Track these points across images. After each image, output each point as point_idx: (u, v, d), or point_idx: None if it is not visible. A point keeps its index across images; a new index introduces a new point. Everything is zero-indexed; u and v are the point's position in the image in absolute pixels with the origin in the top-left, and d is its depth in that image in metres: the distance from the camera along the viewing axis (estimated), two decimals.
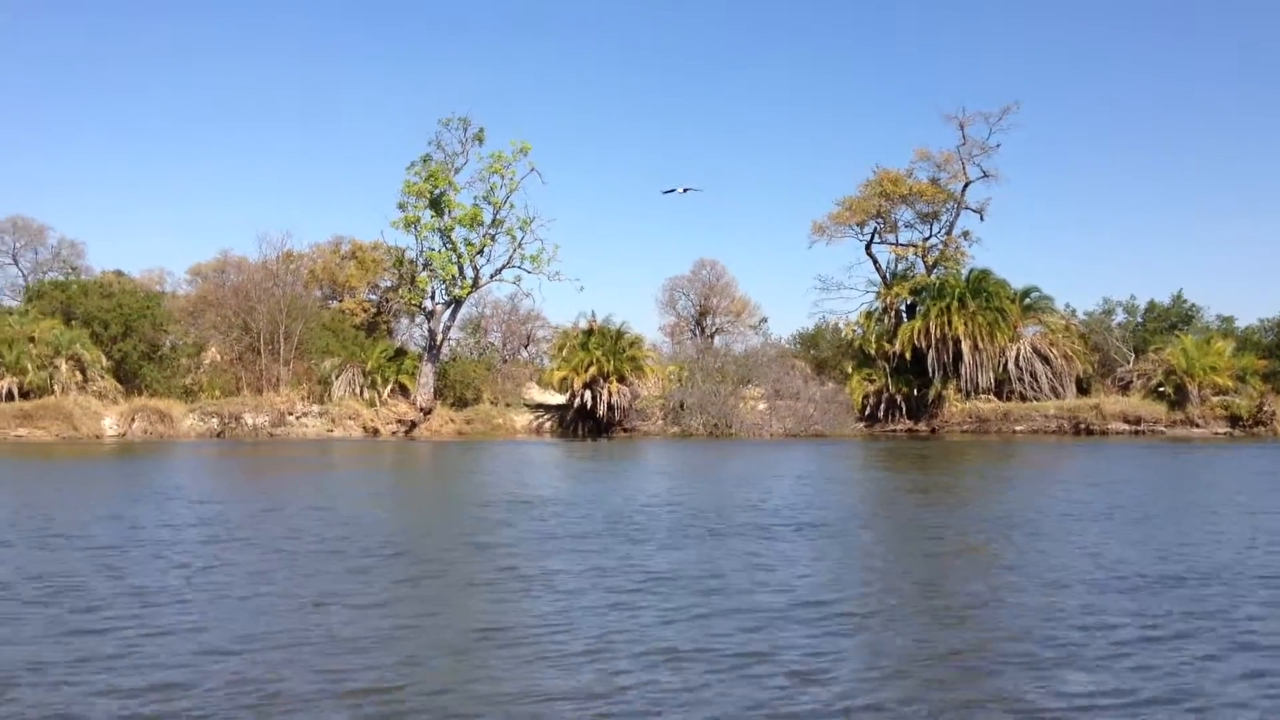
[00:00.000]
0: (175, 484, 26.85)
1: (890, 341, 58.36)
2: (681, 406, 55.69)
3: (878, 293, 61.54)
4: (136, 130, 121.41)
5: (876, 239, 62.76)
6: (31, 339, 51.30)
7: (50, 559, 14.32)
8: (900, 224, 62.64)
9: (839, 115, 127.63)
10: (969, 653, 9.79)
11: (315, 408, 54.72)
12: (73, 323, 53.53)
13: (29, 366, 50.39)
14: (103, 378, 52.79)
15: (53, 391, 50.37)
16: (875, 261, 62.78)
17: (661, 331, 78.00)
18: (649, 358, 59.11)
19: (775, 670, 9.13)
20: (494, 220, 56.60)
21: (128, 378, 54.39)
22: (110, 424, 49.87)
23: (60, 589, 12.33)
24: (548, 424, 57.85)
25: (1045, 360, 57.47)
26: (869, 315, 61.12)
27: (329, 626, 10.60)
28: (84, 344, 52.28)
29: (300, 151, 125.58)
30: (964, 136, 60.64)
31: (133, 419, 50.37)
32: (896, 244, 62.73)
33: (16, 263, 68.96)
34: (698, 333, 75.88)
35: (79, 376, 51.94)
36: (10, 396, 49.92)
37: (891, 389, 57.91)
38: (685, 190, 53.68)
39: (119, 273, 65.98)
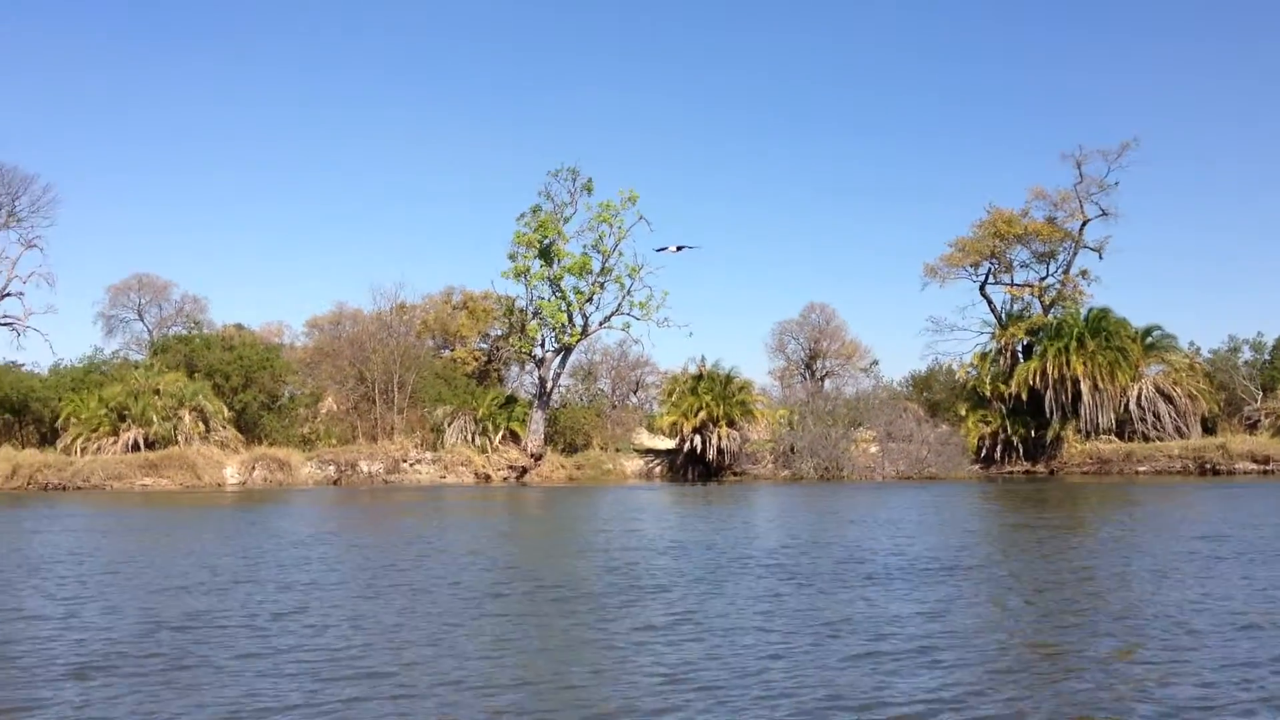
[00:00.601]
0: (318, 530, 27.30)
1: (1006, 382, 57.28)
2: (792, 450, 55.20)
3: (993, 333, 60.54)
4: (256, 189, 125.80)
5: (991, 279, 62.08)
6: (157, 391, 52.97)
7: (228, 602, 14.58)
8: (1015, 264, 61.94)
9: (949, 155, 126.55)
10: (1159, 697, 9.38)
11: (428, 455, 55.52)
12: (196, 375, 55.19)
13: (154, 418, 51.96)
14: (224, 428, 54.28)
15: (177, 442, 51.84)
16: (990, 302, 61.99)
17: (771, 375, 78.17)
18: (758, 402, 58.92)
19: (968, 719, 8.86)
20: (603, 268, 57.21)
21: (248, 427, 55.86)
22: (232, 473, 51.15)
23: (248, 631, 12.53)
24: (658, 469, 57.83)
25: (1168, 400, 55.83)
26: (984, 356, 60.08)
27: (516, 672, 10.58)
28: (206, 395, 53.85)
29: (412, 204, 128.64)
30: (1081, 175, 59.82)
31: (253, 467, 51.60)
32: (1012, 284, 61.93)
33: (142, 318, 71.60)
34: (807, 376, 75.39)
35: (202, 427, 53.46)
36: (137, 447, 51.49)
37: (1008, 430, 56.73)
38: (679, 249, 53.08)
39: (239, 326, 67.95)
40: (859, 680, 10.11)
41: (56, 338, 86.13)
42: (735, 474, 55.28)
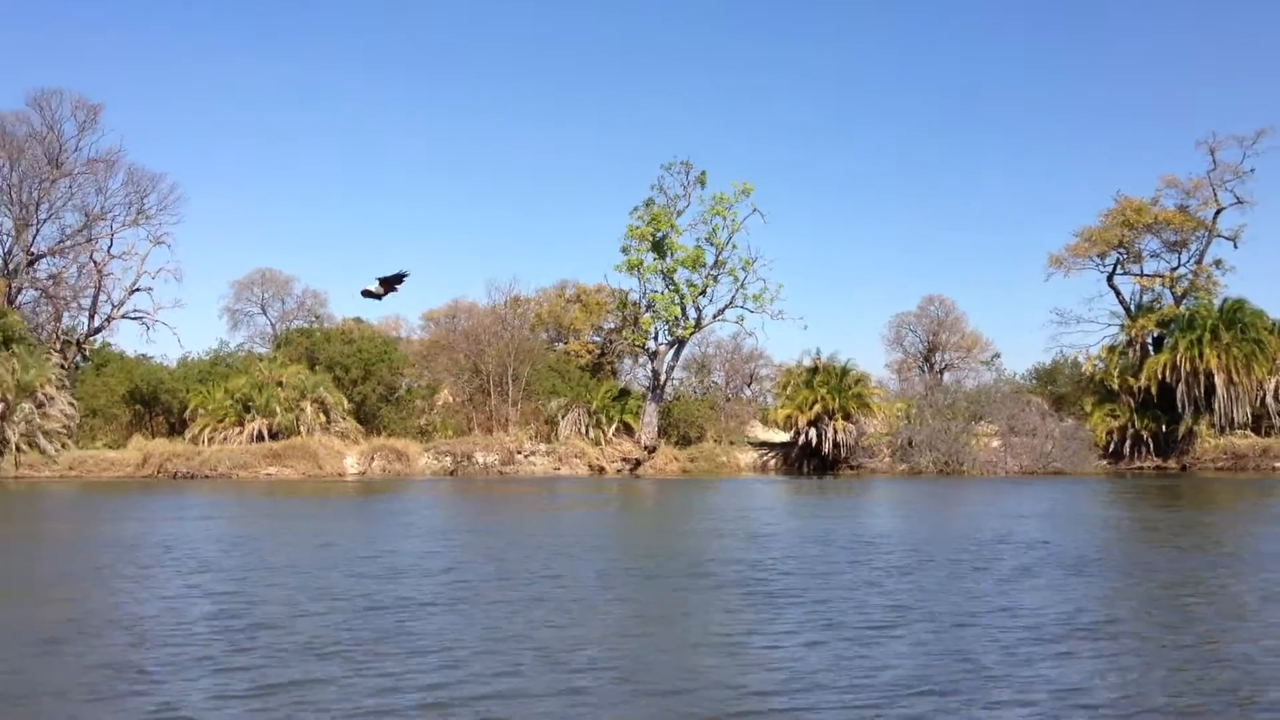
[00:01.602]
0: (471, 519, 27.49)
1: (1135, 376, 55.56)
2: (910, 444, 54.26)
3: (1121, 325, 58.74)
4: (373, 185, 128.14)
5: (1119, 270, 60.25)
6: (280, 383, 53.90)
7: (432, 586, 14.57)
8: (1145, 254, 59.94)
9: (1071, 143, 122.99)
10: None
11: (542, 446, 55.70)
12: (316, 367, 56.05)
13: (278, 409, 52.84)
14: (344, 419, 55.03)
15: (299, 432, 52.66)
16: (1118, 293, 60.22)
17: (888, 369, 77.29)
18: (875, 395, 57.98)
19: None
20: (716, 261, 56.89)
21: (367, 419, 56.61)
22: (352, 463, 51.86)
23: (457, 616, 12.51)
24: (772, 461, 57.31)
25: None
26: (1112, 349, 58.31)
27: (753, 670, 10.42)
28: (327, 387, 54.65)
29: (526, 198, 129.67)
30: (1214, 161, 57.56)
31: (372, 458, 52.24)
32: (1141, 275, 60.01)
33: (265, 312, 73.15)
34: (926, 369, 74.28)
35: (323, 418, 54.26)
36: (261, 437, 52.43)
37: (1137, 425, 55.02)
38: (385, 291, 49.36)
39: (358, 320, 68.97)
40: (1097, 682, 9.66)
41: (184, 331, 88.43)
42: (851, 467, 54.50)
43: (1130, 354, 57.49)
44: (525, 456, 54.90)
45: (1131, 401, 55.59)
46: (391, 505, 33.24)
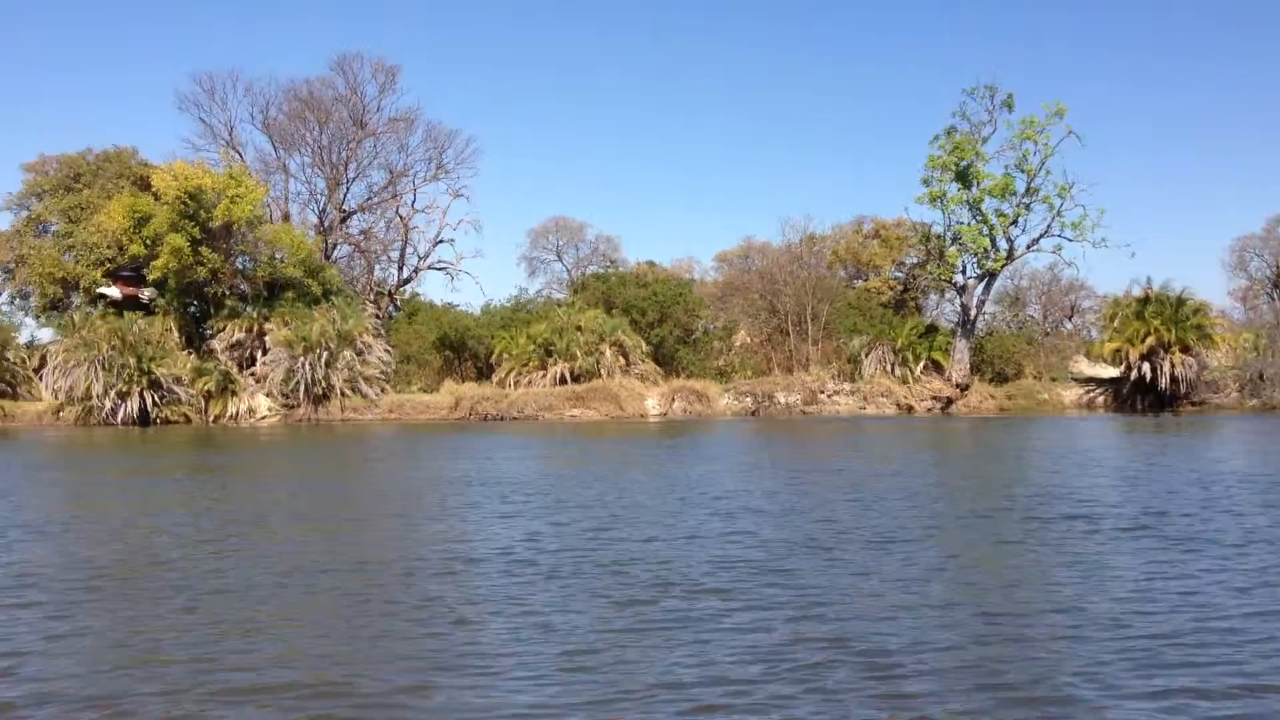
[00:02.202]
0: (798, 457, 26.42)
1: None
2: (1261, 377, 48.84)
3: None
4: (662, 128, 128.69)
5: None
6: (579, 328, 54.48)
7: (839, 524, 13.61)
8: None
9: None
10: None
11: (846, 386, 53.95)
12: (613, 311, 56.32)
13: (578, 353, 53.42)
14: (643, 361, 55.06)
15: (599, 375, 53.02)
16: None
17: (1230, 296, 70.90)
18: (1218, 325, 52.49)
19: None
20: (1028, 189, 52.97)
21: (665, 361, 56.42)
22: (653, 404, 51.74)
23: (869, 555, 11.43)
24: (1100, 399, 53.03)
25: None
26: None
27: (1162, 617, 8.83)
28: (624, 331, 54.82)
29: (817, 134, 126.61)
30: None
31: (673, 399, 51.97)
32: None
33: (560, 259, 74.56)
34: (1276, 296, 66.93)
35: (622, 361, 54.44)
36: (563, 380, 53.13)
37: None
38: (124, 292, 39.52)
39: (651, 263, 69.04)
40: None
41: (485, 279, 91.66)
42: (1193, 404, 49.61)
43: None
44: (829, 396, 53.26)
45: None
46: (712, 445, 32.36)
